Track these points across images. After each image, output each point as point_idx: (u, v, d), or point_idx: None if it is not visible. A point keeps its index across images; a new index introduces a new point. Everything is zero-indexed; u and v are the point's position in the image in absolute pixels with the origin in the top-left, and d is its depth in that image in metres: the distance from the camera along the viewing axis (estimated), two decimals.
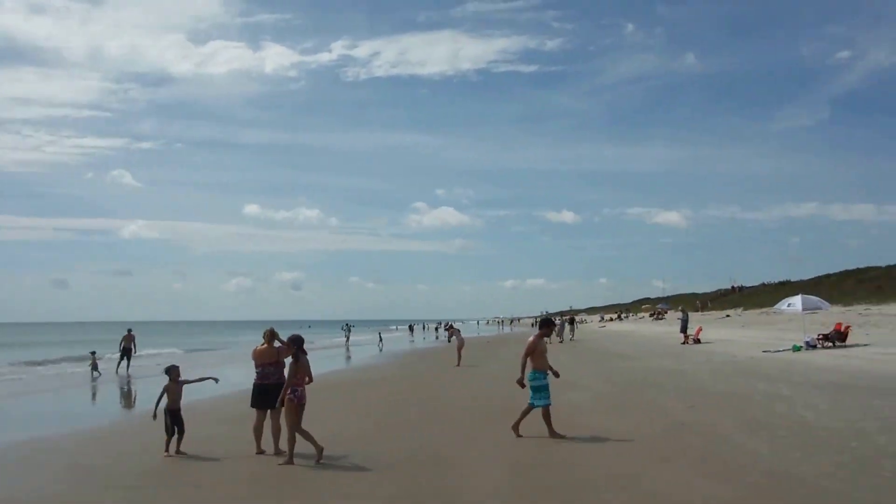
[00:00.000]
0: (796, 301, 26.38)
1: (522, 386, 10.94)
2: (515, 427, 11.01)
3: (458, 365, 26.98)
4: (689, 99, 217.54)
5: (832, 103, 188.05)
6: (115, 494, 8.31)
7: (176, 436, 10.40)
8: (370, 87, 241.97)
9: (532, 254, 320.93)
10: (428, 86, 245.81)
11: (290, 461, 9.45)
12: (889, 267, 69.16)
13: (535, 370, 10.86)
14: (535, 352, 10.88)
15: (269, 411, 10.20)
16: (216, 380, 11.29)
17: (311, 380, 9.79)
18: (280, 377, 10.13)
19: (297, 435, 9.60)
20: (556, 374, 11.17)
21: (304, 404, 9.67)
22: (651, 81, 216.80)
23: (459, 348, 28.19)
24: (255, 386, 10.40)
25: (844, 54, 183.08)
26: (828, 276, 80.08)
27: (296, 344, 9.72)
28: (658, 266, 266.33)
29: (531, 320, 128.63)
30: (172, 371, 10.80)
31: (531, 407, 10.93)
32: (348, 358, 40.66)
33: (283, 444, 9.94)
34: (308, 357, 9.80)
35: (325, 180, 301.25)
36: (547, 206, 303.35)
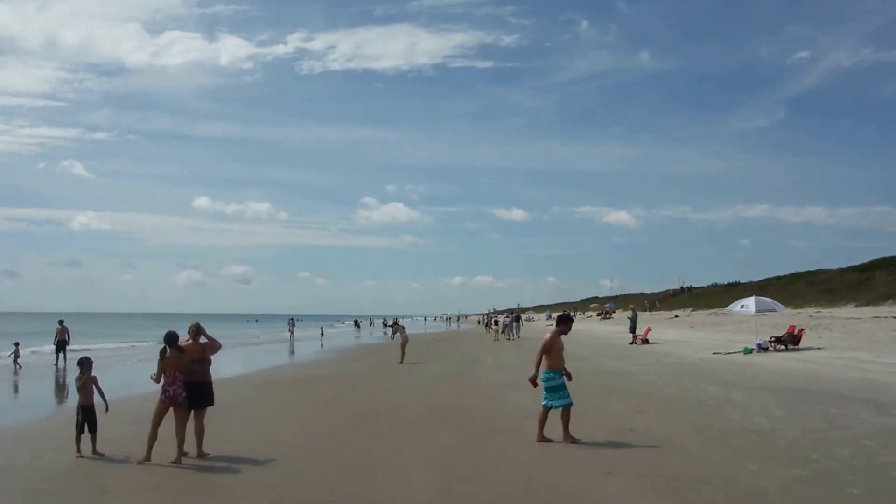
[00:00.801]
0: (749, 302, 26.35)
1: (535, 385, 10.42)
2: (541, 438, 10.28)
3: (402, 362, 26.58)
4: (643, 98, 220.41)
5: (788, 104, 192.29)
6: (18, 498, 7.82)
7: (88, 435, 9.76)
8: (325, 80, 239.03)
9: (481, 251, 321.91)
10: (383, 80, 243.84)
11: (147, 459, 9.12)
12: (840, 270, 70.82)
13: (551, 369, 10.31)
14: (552, 349, 10.33)
15: (192, 412, 9.62)
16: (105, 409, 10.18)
17: (179, 375, 9.37)
18: (206, 375, 9.76)
19: (177, 437, 9.26)
20: (570, 377, 10.49)
21: (182, 402, 9.33)
22: (605, 80, 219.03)
23: (403, 345, 27.76)
24: None
25: (803, 55, 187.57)
26: (778, 277, 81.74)
27: (166, 341, 9.46)
28: (607, 265, 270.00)
29: (477, 317, 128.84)
30: (86, 364, 10.07)
31: (547, 409, 10.33)
32: (291, 353, 39.83)
33: (207, 447, 9.63)
34: (183, 354, 9.45)
35: (276, 174, 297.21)
36: (497, 204, 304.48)
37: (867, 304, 49.39)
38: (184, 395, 9.33)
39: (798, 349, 24.73)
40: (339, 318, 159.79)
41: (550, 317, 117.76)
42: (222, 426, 11.66)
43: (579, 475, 8.19)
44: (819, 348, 24.63)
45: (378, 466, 8.95)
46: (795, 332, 25.83)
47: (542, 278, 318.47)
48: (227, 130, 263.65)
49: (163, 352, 9.42)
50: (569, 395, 10.26)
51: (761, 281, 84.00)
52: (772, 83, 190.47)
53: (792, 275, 79.23)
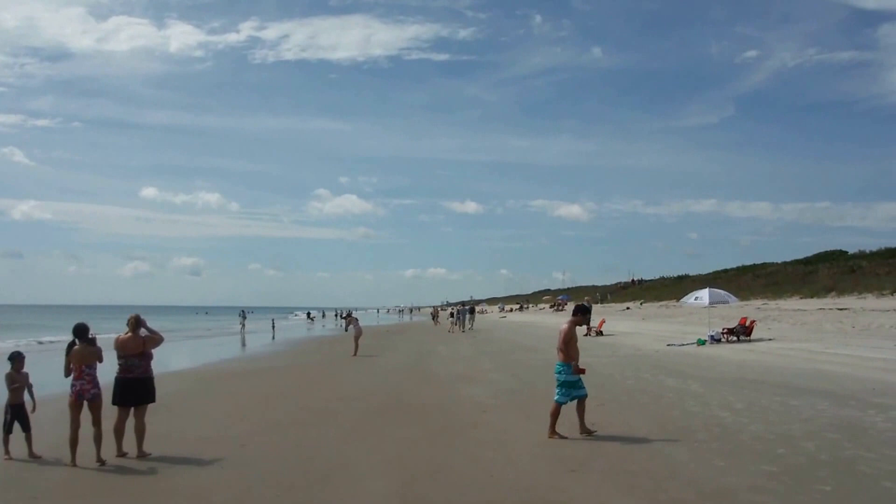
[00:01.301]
0: (704, 294, 26.44)
1: (583, 371, 9.89)
2: (553, 434, 9.79)
3: (355, 354, 26.07)
4: (597, 93, 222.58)
5: (737, 102, 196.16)
6: None
7: (24, 434, 9.09)
8: (278, 70, 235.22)
9: (434, 243, 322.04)
10: (338, 71, 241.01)
11: (72, 463, 8.57)
12: (784, 263, 72.41)
13: (564, 362, 9.85)
14: (570, 341, 9.87)
15: (132, 409, 9.07)
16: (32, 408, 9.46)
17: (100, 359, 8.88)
18: (146, 370, 9.13)
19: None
20: (582, 371, 9.98)
21: (88, 399, 8.71)
22: (559, 75, 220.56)
23: (356, 337, 27.22)
24: (118, 380, 9.12)
25: (751, 54, 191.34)
26: (725, 270, 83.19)
27: (75, 334, 8.89)
28: (559, 258, 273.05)
29: (430, 309, 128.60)
30: (16, 360, 9.35)
31: (561, 405, 9.83)
32: (242, 346, 38.94)
33: (148, 446, 9.09)
34: (94, 347, 8.88)
35: (226, 164, 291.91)
36: (451, 196, 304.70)
37: (811, 297, 50.38)
38: (94, 390, 8.71)
39: (750, 340, 24.90)
40: (292, 311, 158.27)
41: (503, 309, 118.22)
42: (165, 424, 11.02)
43: (542, 474, 7.81)
44: (770, 339, 24.84)
45: (330, 465, 8.47)
46: (747, 323, 26.02)
47: (494, 270, 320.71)
48: (177, 119, 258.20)
49: (70, 345, 8.80)
50: (584, 386, 9.88)
51: (709, 274, 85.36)
52: (721, 81, 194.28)
53: (739, 268, 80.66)
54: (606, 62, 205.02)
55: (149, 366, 9.16)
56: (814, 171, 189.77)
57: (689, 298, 27.43)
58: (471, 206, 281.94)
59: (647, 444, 9.18)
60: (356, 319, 28.77)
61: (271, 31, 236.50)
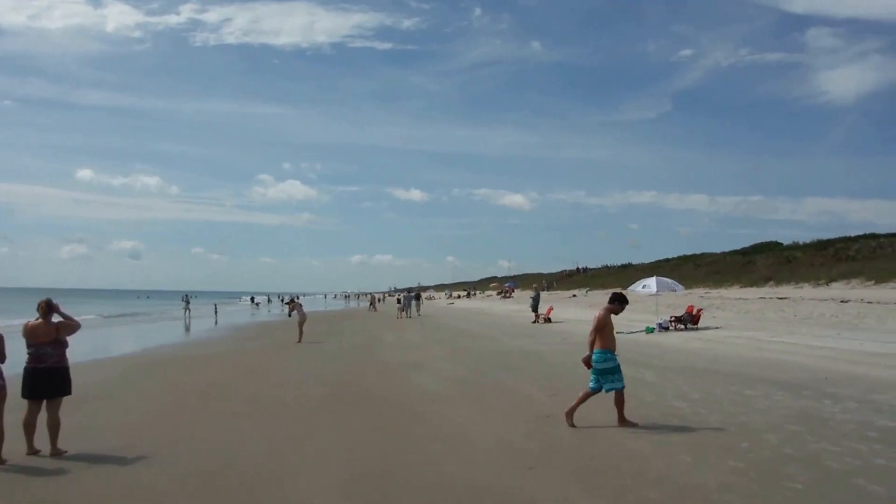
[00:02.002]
0: (651, 283, 26.38)
1: (589, 366, 9.53)
2: (570, 415, 9.41)
3: (300, 341, 25.32)
4: (539, 86, 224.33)
5: (674, 98, 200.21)
6: None
7: None
8: (220, 53, 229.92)
9: (380, 230, 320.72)
10: (280, 56, 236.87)
11: None
12: (724, 253, 73.73)
13: (604, 349, 9.38)
14: (605, 328, 9.45)
15: (44, 402, 8.34)
16: None
17: (3, 359, 8.01)
18: (60, 359, 8.31)
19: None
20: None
21: None
22: (502, 67, 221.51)
23: (301, 323, 26.43)
24: (27, 370, 8.31)
25: (687, 52, 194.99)
26: (667, 260, 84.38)
27: None
28: (504, 246, 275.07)
29: (379, 295, 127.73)
30: None
31: (593, 392, 9.38)
32: (183, 331, 37.67)
33: (65, 442, 8.33)
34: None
35: (166, 148, 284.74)
36: (395, 184, 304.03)
37: (751, 286, 51.27)
38: None
39: (697, 329, 24.93)
40: (237, 296, 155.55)
41: (451, 296, 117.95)
42: (90, 416, 10.25)
43: (499, 471, 7.30)
44: (717, 328, 24.90)
45: (268, 464, 7.81)
46: (694, 311, 26.04)
47: (441, 258, 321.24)
48: (114, 100, 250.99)
49: None
50: (622, 379, 9.41)
51: (651, 263, 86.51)
52: (658, 78, 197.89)
53: (680, 257, 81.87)
54: (546, 56, 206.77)
55: (63, 355, 8.37)
56: (747, 166, 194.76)
57: (637, 286, 27.36)
58: (416, 194, 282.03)
59: (607, 437, 8.76)
60: (300, 305, 27.88)
61: (212, 14, 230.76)
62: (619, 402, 9.42)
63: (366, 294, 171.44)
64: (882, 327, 21.22)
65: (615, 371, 9.36)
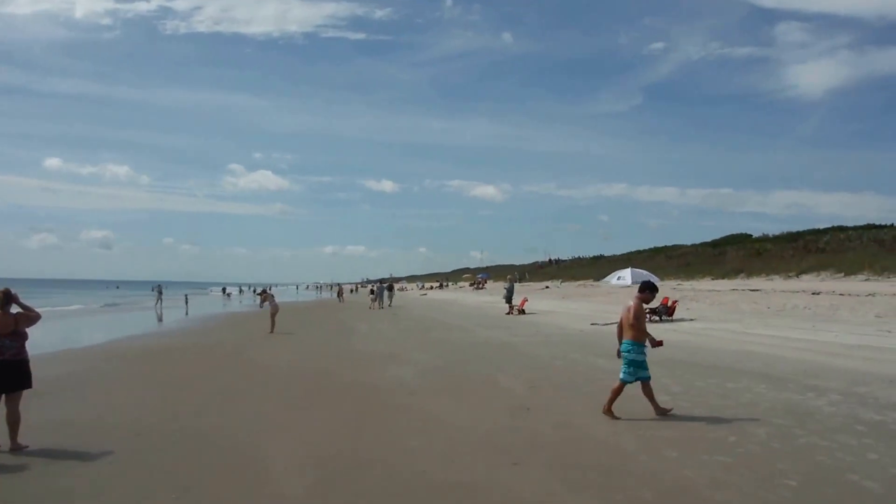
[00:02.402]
0: (626, 274, 26.29)
1: (660, 343, 9.61)
2: (608, 411, 9.21)
3: (272, 332, 24.82)
4: (512, 78, 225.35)
5: (645, 92, 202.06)
6: None
7: None
8: (191, 42, 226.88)
9: (352, 221, 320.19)
10: (252, 46, 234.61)
11: None
12: (695, 245, 74.32)
13: (633, 341, 9.18)
14: (637, 319, 9.23)
15: (3, 396, 7.95)
16: None
17: None
18: (19, 351, 7.91)
19: None
20: (660, 343, 9.56)
21: None
22: (475, 58, 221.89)
23: (273, 314, 25.91)
24: None
25: (658, 46, 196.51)
26: (639, 251, 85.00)
27: None
28: (476, 237, 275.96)
29: (350, 286, 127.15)
30: None
31: (623, 384, 9.19)
32: (153, 321, 36.87)
33: (25, 437, 7.94)
34: None
35: (136, 137, 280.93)
36: (368, 175, 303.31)
37: (722, 277, 51.70)
38: None
39: (672, 320, 24.87)
40: (208, 286, 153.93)
41: (423, 287, 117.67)
42: (50, 411, 9.76)
43: (482, 467, 7.01)
44: (691, 319, 24.87)
45: (238, 460, 7.47)
46: (669, 303, 25.98)
47: (413, 249, 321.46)
48: (83, 88, 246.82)
49: None
50: (648, 367, 9.30)
51: (623, 255, 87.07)
52: (630, 71, 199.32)
53: (652, 249, 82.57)
54: (518, 48, 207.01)
55: (23, 347, 7.96)
56: (717, 159, 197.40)
57: (612, 278, 27.26)
58: (387, 185, 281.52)
59: (590, 432, 8.51)
60: (272, 296, 27.34)
61: (183, 2, 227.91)
62: (649, 393, 9.32)
63: (338, 284, 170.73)
64: (855, 319, 21.31)
65: (643, 364, 9.23)
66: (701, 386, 11.52)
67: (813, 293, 30.02)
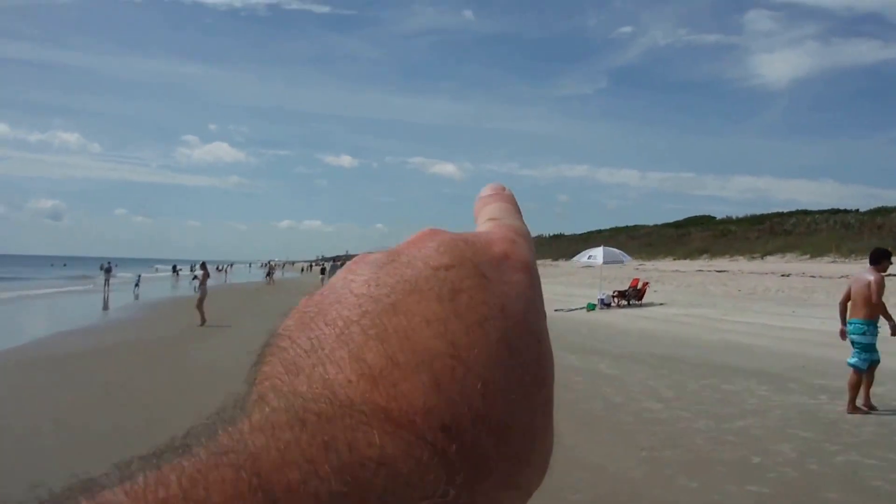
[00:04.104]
0: (598, 253, 25.21)
1: (844, 338, 8.76)
2: (854, 409, 8.30)
3: (202, 324, 21.30)
4: (477, 57, 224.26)
5: (610, 75, 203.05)
6: None
7: None
8: (149, 9, 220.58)
9: (310, 195, 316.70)
10: (213, 16, 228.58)
11: None
12: (656, 225, 74.36)
13: (868, 320, 8.27)
14: (879, 295, 8.19)
15: None
16: None
17: None
18: None
19: None
20: None
21: None
22: (440, 36, 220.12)
23: (200, 300, 21.91)
24: None
25: (626, 29, 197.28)
26: (599, 231, 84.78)
27: None
28: (436, 215, 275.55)
29: (303, 264, 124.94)
30: None
31: (859, 373, 8.25)
32: (104, 309, 34.23)
33: None
34: None
35: (88, 103, 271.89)
36: (327, 150, 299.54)
37: (685, 258, 51.47)
38: None
39: (641, 305, 23.99)
40: (162, 262, 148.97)
41: None
42: None
43: None
44: (661, 304, 24.03)
45: None
46: (639, 286, 25.10)
47: (371, 225, 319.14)
48: (32, 53, 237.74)
49: None
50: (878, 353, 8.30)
51: (584, 234, 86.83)
52: (597, 54, 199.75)
53: (613, 229, 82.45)
54: (483, 26, 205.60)
55: None
56: (680, 143, 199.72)
57: (582, 257, 26.21)
58: (346, 160, 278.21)
59: (580, 453, 7.30)
60: (207, 275, 23.30)
61: None
62: (870, 381, 8.44)
63: (291, 263, 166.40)
64: (834, 303, 20.58)
65: (874, 343, 8.33)
66: (693, 388, 10.46)
67: (782, 275, 29.57)
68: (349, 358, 0.30)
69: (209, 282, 24.32)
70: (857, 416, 8.27)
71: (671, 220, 76.68)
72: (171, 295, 46.19)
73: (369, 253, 0.37)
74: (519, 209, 0.45)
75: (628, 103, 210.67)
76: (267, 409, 0.28)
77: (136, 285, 47.30)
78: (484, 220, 0.42)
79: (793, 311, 19.46)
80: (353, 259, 0.36)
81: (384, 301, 0.32)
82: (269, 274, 63.12)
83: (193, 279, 23.90)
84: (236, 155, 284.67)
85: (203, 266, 23.34)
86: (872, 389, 8.77)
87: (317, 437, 0.26)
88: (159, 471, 0.25)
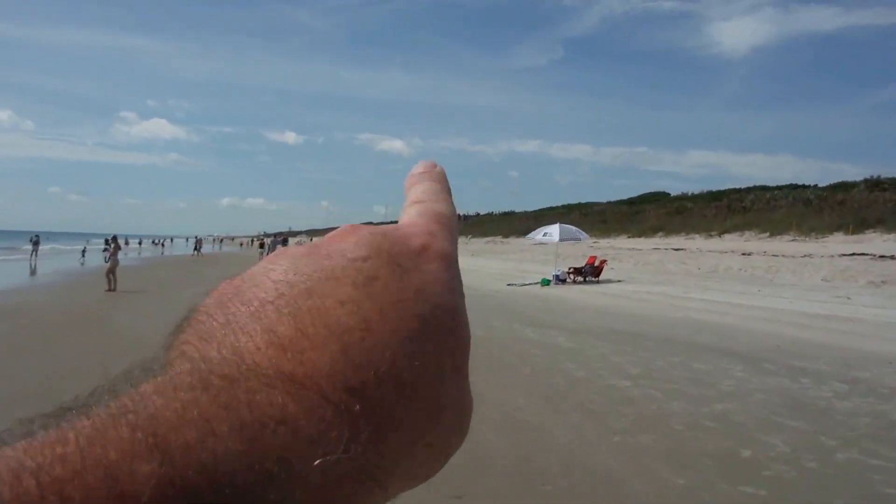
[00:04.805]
0: (553, 230, 24.41)
1: None
2: None
3: (110, 290, 21.53)
4: (430, 27, 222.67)
5: (566, 45, 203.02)
6: None
7: None
8: None
9: (253, 173, 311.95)
10: None
11: None
12: (610, 203, 74.21)
13: None
14: None
15: None
16: None
17: None
18: None
19: None
20: None
21: None
22: (391, 4, 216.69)
23: (110, 270, 22.44)
24: None
25: None
26: (551, 208, 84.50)
27: None
28: (381, 192, 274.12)
29: (244, 239, 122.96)
30: None
31: None
32: (31, 274, 32.94)
33: None
34: None
35: (19, 78, 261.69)
36: (271, 126, 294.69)
37: (639, 236, 51.27)
38: None
39: (598, 282, 23.29)
40: (97, 237, 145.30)
41: None
42: None
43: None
44: (619, 281, 23.36)
45: None
46: (597, 263, 24.40)
47: (314, 202, 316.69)
48: None
49: None
50: None
51: (536, 211, 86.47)
52: (551, 22, 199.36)
53: (565, 206, 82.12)
54: None
55: None
56: (635, 117, 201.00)
57: (537, 234, 25.39)
58: (290, 137, 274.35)
59: (548, 437, 6.39)
60: (119, 248, 23.84)
61: None
62: None
63: (231, 238, 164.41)
64: (802, 283, 20.22)
65: None
66: (663, 366, 9.65)
67: (743, 254, 29.23)
68: (261, 330, 0.31)
69: (168, 250, 24.79)
70: (848, 404, 7.52)
71: (624, 197, 76.82)
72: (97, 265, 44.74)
73: (292, 247, 0.38)
74: (448, 188, 0.46)
75: (584, 75, 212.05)
76: (172, 372, 0.29)
77: (83, 255, 47.79)
78: (411, 203, 0.43)
79: (758, 290, 18.92)
80: (275, 252, 0.37)
81: (300, 286, 0.33)
82: (196, 248, 67.00)
83: (104, 251, 24.82)
84: (176, 132, 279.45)
85: (114, 239, 24.14)
86: (856, 374, 8.11)
87: (218, 399, 0.28)
88: (59, 429, 0.26)
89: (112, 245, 23.86)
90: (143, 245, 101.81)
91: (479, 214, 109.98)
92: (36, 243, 48.10)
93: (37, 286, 25.98)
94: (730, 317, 14.59)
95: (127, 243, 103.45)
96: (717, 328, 13.14)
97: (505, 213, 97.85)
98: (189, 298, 0.34)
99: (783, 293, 17.98)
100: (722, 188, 62.59)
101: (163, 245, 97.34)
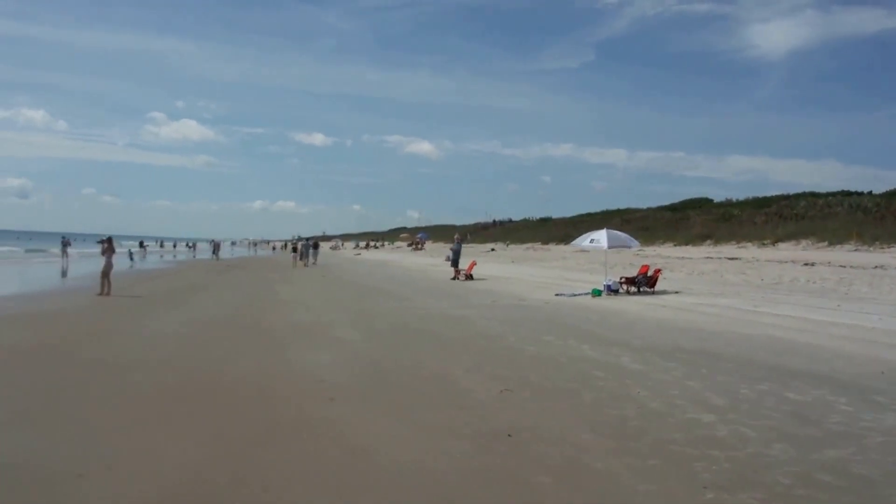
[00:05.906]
0: (601, 237, 23.15)
1: None
2: None
3: (102, 293, 21.04)
4: (457, 30, 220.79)
5: (598, 48, 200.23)
6: None
7: None
8: None
9: (283, 175, 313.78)
10: None
11: None
12: (651, 209, 72.40)
13: None
14: None
15: None
16: None
17: None
18: None
19: None
20: None
21: None
22: (419, 7, 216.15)
23: (105, 274, 21.52)
24: None
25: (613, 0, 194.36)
26: (590, 214, 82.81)
27: None
28: (413, 196, 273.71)
29: (277, 243, 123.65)
30: None
31: None
32: (63, 276, 33.38)
33: None
34: None
35: (53, 80, 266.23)
36: (300, 128, 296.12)
37: (686, 243, 49.68)
38: None
39: (654, 292, 21.97)
40: (130, 239, 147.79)
41: (358, 245, 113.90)
42: None
43: None
44: (676, 292, 22.00)
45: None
46: (650, 272, 23.08)
47: (347, 206, 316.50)
48: None
49: None
50: None
51: (572, 217, 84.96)
52: (583, 25, 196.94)
53: (604, 212, 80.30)
54: None
55: None
56: (670, 121, 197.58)
57: (583, 241, 24.13)
58: (318, 139, 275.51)
59: (623, 491, 5.28)
60: (113, 250, 22.77)
61: None
62: None
63: (266, 241, 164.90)
64: (883, 297, 18.68)
65: None
66: (750, 395, 8.44)
67: (805, 264, 27.69)
68: None
69: (199, 254, 24.75)
70: None
71: (664, 203, 75.00)
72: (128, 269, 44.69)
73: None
74: None
75: (616, 78, 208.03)
76: None
77: (131, 258, 51.53)
78: None
79: (837, 304, 17.43)
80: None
81: None
82: (214, 252, 67.87)
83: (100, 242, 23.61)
84: (205, 133, 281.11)
85: (109, 240, 22.92)
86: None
87: None
88: None
89: (105, 246, 22.52)
90: (177, 248, 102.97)
91: (511, 221, 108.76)
92: (66, 245, 48.72)
93: (35, 290, 25.47)
94: (809, 334, 13.25)
95: (162, 245, 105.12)
96: (802, 349, 11.83)
97: (542, 220, 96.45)
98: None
99: (866, 308, 16.52)
100: (766, 194, 60.61)
101: (195, 248, 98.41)
